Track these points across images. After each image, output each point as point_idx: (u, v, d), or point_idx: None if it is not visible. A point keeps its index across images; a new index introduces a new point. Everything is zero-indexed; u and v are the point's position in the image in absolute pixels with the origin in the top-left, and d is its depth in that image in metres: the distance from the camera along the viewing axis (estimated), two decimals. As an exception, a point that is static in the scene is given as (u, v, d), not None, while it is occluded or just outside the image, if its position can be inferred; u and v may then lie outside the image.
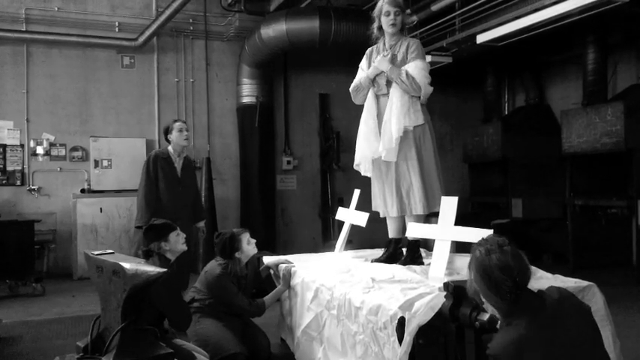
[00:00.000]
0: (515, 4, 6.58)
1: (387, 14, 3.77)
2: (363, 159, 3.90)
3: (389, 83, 3.79)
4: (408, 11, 4.00)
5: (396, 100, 3.68)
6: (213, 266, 3.93)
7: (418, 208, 3.70)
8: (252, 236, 4.12)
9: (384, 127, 3.71)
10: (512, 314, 2.09)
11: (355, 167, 4.00)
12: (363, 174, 3.98)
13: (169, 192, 5.01)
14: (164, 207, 4.91)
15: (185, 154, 5.21)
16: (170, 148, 5.12)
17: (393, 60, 3.78)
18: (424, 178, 3.71)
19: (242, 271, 4.00)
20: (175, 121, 5.20)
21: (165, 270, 2.47)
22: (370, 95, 3.90)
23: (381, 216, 3.99)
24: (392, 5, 3.76)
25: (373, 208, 4.06)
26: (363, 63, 3.97)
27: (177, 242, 3.53)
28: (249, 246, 4.00)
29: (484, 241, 2.17)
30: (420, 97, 3.74)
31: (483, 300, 2.18)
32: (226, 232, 4.04)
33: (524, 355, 1.99)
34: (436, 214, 3.53)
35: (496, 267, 2.06)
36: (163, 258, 3.45)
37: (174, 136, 5.07)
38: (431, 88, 3.73)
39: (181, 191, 5.07)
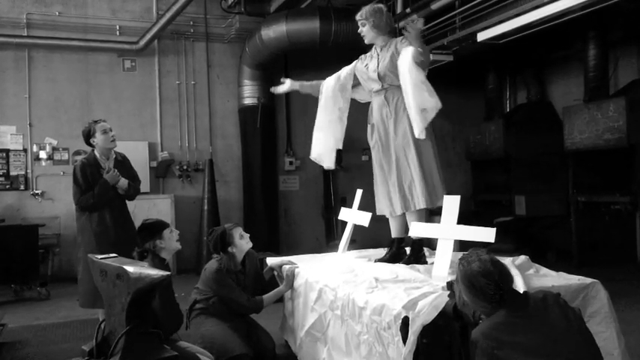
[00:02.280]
0: (515, 2, 6.57)
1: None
2: (325, 151, 3.96)
3: (382, 78, 3.83)
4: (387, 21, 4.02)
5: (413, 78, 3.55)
6: (211, 263, 3.98)
7: (420, 202, 3.71)
8: (255, 237, 4.13)
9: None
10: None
11: (313, 159, 4.06)
12: (326, 167, 4.05)
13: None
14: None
15: (114, 155, 4.61)
16: (96, 152, 4.52)
17: (379, 62, 3.88)
18: (424, 173, 3.72)
19: (237, 267, 3.99)
20: (96, 122, 4.54)
21: (168, 273, 2.48)
22: (333, 87, 4.09)
23: (388, 216, 4.00)
24: (357, 17, 3.93)
25: (378, 212, 4.07)
26: (349, 66, 4.09)
27: (171, 239, 3.55)
28: (242, 240, 3.99)
29: (465, 256, 2.36)
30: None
31: (473, 309, 2.33)
32: (218, 228, 4.07)
33: (503, 340, 2.11)
34: (439, 213, 3.53)
35: (478, 274, 2.24)
36: (158, 257, 3.46)
37: (98, 139, 4.46)
38: (430, 56, 3.74)
39: (116, 196, 4.49)
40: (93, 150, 4.53)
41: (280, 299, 4.26)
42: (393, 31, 4.01)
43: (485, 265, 2.25)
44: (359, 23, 3.92)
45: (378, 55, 3.92)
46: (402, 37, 3.86)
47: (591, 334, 2.24)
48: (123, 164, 4.64)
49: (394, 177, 3.83)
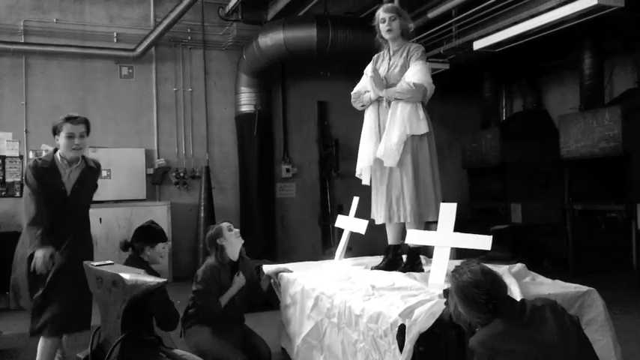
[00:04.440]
0: (511, 11, 6.62)
1: (383, 21, 3.81)
2: (363, 168, 3.91)
3: (388, 85, 3.78)
4: (411, 24, 3.98)
5: (400, 109, 3.67)
6: (206, 262, 4.02)
7: (407, 216, 3.69)
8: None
9: (386, 134, 3.70)
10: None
11: (357, 176, 4.01)
12: (363, 183, 3.99)
13: (54, 213, 3.56)
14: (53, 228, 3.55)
15: (83, 162, 3.75)
16: (58, 154, 3.68)
17: (390, 67, 3.81)
18: (417, 187, 3.69)
19: (225, 259, 3.97)
20: (68, 119, 3.70)
21: (164, 280, 2.47)
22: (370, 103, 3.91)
23: (376, 223, 3.99)
24: (386, 12, 3.81)
25: (371, 216, 4.07)
26: (369, 68, 3.93)
27: (158, 254, 3.66)
28: (230, 233, 3.99)
29: (457, 268, 2.36)
30: (423, 104, 3.74)
31: (469, 320, 2.32)
32: (211, 225, 4.16)
33: (500, 349, 2.12)
34: (436, 221, 3.53)
35: (469, 285, 2.26)
36: (140, 259, 3.54)
37: (60, 142, 3.65)
38: (433, 87, 3.74)
39: (70, 211, 3.66)
40: (55, 150, 3.72)
41: (276, 307, 4.25)
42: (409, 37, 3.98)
43: (476, 276, 2.26)
44: (389, 16, 3.78)
45: (390, 58, 3.87)
46: (415, 45, 3.86)
47: (589, 342, 2.24)
48: (90, 175, 3.79)
49: (384, 184, 3.80)
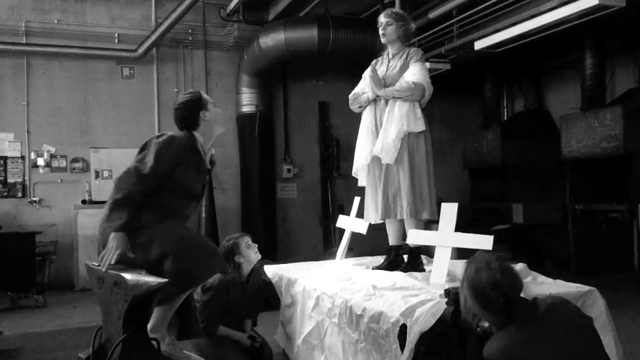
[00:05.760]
0: (512, 11, 6.61)
1: (380, 25, 3.87)
2: (360, 167, 3.93)
3: (387, 85, 3.82)
4: (413, 26, 4.00)
5: (397, 108, 3.70)
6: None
7: (404, 212, 3.71)
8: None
9: (383, 131, 3.73)
10: (506, 324, 2.13)
11: (353, 174, 4.03)
12: (359, 184, 4.00)
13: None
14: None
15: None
16: (198, 135, 3.14)
17: (388, 69, 3.84)
18: (413, 183, 3.70)
19: (241, 277, 3.93)
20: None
21: (165, 280, 2.47)
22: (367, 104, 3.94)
23: (372, 222, 3.99)
24: (384, 16, 3.88)
25: (364, 219, 4.05)
26: (367, 72, 3.97)
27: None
28: (249, 250, 3.92)
29: (474, 259, 2.22)
30: (420, 102, 3.76)
31: (480, 318, 2.23)
32: (227, 237, 4.03)
33: (516, 356, 2.05)
34: (437, 221, 3.53)
35: (487, 285, 2.11)
36: None
37: (215, 114, 3.15)
38: (432, 88, 3.77)
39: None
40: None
41: (277, 307, 4.25)
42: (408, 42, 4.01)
43: (495, 275, 2.11)
44: (385, 21, 3.84)
45: (389, 60, 3.91)
46: (415, 49, 3.89)
47: (601, 341, 2.19)
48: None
49: (382, 184, 3.81)
